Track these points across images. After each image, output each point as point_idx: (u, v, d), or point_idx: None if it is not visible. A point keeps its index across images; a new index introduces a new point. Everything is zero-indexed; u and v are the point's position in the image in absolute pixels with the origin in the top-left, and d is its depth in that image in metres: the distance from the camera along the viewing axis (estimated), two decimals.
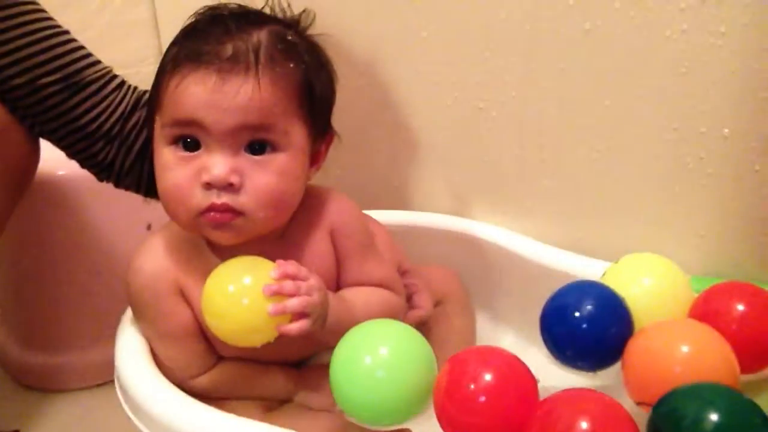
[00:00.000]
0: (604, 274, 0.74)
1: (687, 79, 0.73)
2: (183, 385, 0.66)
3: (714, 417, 0.51)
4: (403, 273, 0.78)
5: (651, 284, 0.70)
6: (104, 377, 1.00)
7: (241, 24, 0.63)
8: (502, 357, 0.57)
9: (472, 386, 0.54)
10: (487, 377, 0.54)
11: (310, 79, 0.65)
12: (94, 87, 0.73)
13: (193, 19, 0.66)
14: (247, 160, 0.62)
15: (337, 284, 0.71)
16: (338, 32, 0.72)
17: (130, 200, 0.83)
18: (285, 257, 0.64)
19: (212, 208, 0.61)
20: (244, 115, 0.61)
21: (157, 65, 0.66)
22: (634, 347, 0.63)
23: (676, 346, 0.59)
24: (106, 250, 1.01)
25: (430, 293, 0.80)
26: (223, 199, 0.61)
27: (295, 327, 0.61)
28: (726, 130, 0.72)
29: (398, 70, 0.94)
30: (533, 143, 0.87)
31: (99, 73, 0.74)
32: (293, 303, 0.60)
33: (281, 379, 0.72)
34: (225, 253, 0.65)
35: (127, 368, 0.67)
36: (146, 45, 1.17)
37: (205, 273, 0.64)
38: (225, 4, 0.67)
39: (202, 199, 0.61)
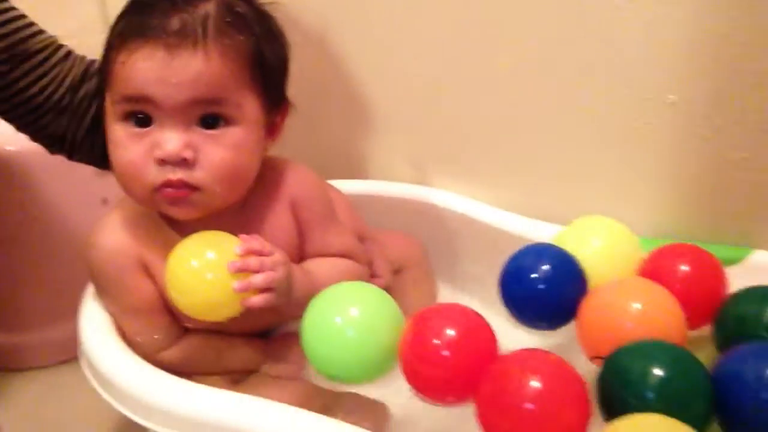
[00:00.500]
0: (557, 237, 0.77)
1: (635, 47, 0.75)
2: (149, 359, 0.66)
3: (658, 371, 0.54)
4: (362, 240, 0.79)
5: (601, 245, 0.73)
6: (65, 354, 1.00)
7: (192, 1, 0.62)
8: (464, 313, 0.59)
9: (436, 341, 0.57)
10: (450, 332, 0.57)
11: (261, 50, 0.65)
12: (40, 57, 0.71)
13: None
14: (200, 134, 0.62)
15: (299, 255, 0.72)
16: (293, 1, 0.72)
17: (83, 174, 0.82)
18: (246, 230, 0.65)
19: (168, 184, 0.61)
20: (195, 90, 0.60)
21: (104, 35, 0.65)
22: (587, 306, 0.66)
23: (628, 303, 0.62)
24: (62, 225, 0.99)
25: (388, 261, 0.81)
26: (178, 174, 0.61)
27: (260, 300, 0.61)
28: (671, 97, 0.75)
29: (354, 39, 0.94)
30: (489, 112, 0.88)
31: (44, 43, 0.72)
32: (258, 279, 0.61)
33: (247, 350, 0.73)
34: (185, 227, 0.66)
35: (94, 343, 0.67)
36: (91, 14, 1.13)
37: (167, 246, 0.65)
38: None
39: (157, 175, 0.61)
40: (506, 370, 0.53)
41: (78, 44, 0.79)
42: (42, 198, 0.98)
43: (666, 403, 0.53)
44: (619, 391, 0.55)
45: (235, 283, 0.60)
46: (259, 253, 0.62)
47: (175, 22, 0.60)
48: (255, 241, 0.62)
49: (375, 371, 0.59)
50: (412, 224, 0.92)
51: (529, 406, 0.50)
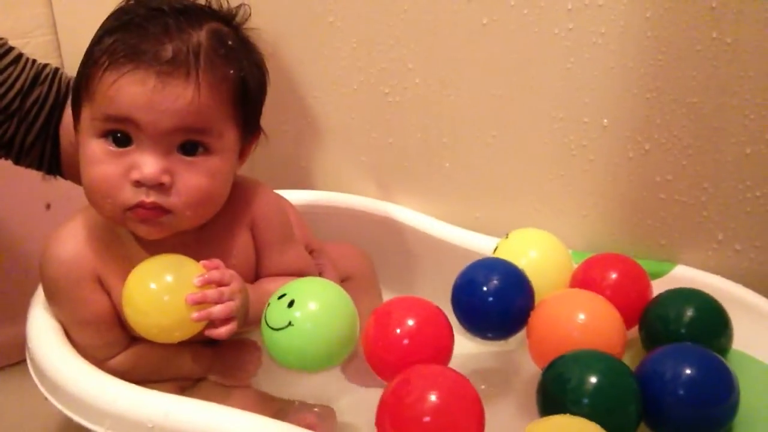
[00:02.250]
0: (496, 249, 0.81)
1: (572, 74, 0.80)
2: (97, 366, 0.66)
3: (593, 379, 0.59)
4: (311, 252, 0.80)
5: (536, 256, 0.77)
6: (6, 360, 0.98)
7: (180, 22, 0.62)
8: (423, 305, 0.66)
9: (398, 330, 0.63)
10: (410, 323, 0.63)
11: (246, 83, 0.66)
12: None
13: (126, 5, 0.64)
14: (179, 160, 0.62)
15: (255, 273, 0.73)
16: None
17: (28, 179, 0.81)
18: (205, 249, 0.66)
19: (141, 205, 0.62)
20: (182, 118, 0.61)
21: (51, 37, 0.65)
22: (536, 317, 0.70)
23: (574, 314, 0.67)
24: (4, 230, 0.98)
25: (337, 272, 0.82)
26: (152, 197, 0.61)
27: (222, 331, 0.63)
28: (605, 121, 0.80)
29: (305, 54, 0.96)
30: (434, 128, 0.92)
31: None
32: (218, 310, 0.62)
33: (195, 358, 0.73)
34: (145, 242, 0.66)
35: (43, 349, 0.66)
36: (38, 14, 1.12)
37: (124, 260, 0.65)
38: None
39: (131, 195, 0.61)
40: (409, 383, 0.56)
41: (24, 44, 0.79)
42: None
43: (600, 408, 0.57)
44: (558, 397, 0.60)
45: (194, 314, 0.62)
46: (219, 283, 0.63)
47: (168, 51, 0.60)
48: (215, 271, 0.64)
49: (329, 361, 0.63)
50: (359, 233, 0.94)
51: (426, 419, 0.53)
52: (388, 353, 0.64)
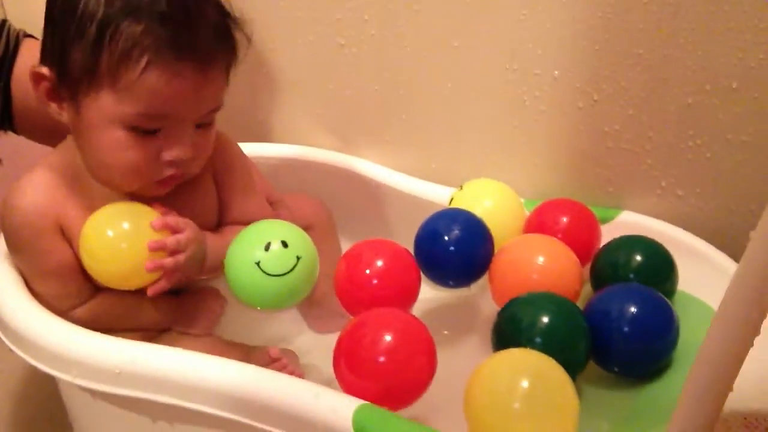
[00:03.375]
0: (451, 199, 0.84)
1: (524, 26, 0.81)
2: (61, 317, 0.66)
3: (545, 319, 0.62)
4: (271, 203, 0.82)
5: (491, 205, 0.80)
6: None
7: (209, 8, 0.63)
8: (391, 246, 0.70)
9: (368, 271, 0.68)
10: (379, 263, 0.68)
11: (236, 50, 0.67)
12: None
13: None
14: (196, 133, 0.65)
15: (218, 221, 0.75)
16: None
17: None
18: (172, 196, 0.67)
19: (171, 177, 0.65)
20: (212, 103, 0.64)
21: None
22: (497, 262, 0.73)
23: (534, 258, 0.70)
24: None
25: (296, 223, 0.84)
26: (181, 169, 0.65)
27: (161, 284, 0.65)
28: (556, 72, 0.82)
29: (259, 5, 0.95)
30: (391, 80, 0.92)
31: None
32: (168, 261, 0.64)
33: (159, 307, 0.74)
34: (109, 189, 0.67)
35: (6, 300, 0.66)
36: None
37: (88, 209, 0.66)
38: None
39: (161, 171, 0.64)
40: (364, 326, 0.59)
41: None
42: None
43: (552, 346, 0.61)
44: (512, 336, 0.63)
45: (147, 263, 0.63)
46: (174, 229, 0.65)
47: (201, 40, 0.60)
48: (171, 217, 0.65)
49: (288, 299, 0.67)
50: (317, 185, 0.95)
51: (381, 359, 0.56)
52: (359, 292, 0.68)
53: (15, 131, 0.77)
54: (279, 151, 0.98)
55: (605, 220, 0.83)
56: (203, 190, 0.72)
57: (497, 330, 0.65)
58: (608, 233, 0.79)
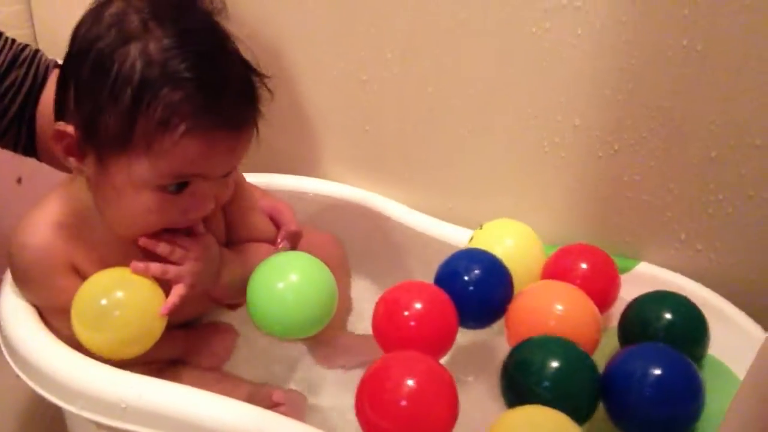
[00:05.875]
0: (471, 239, 0.83)
1: (547, 73, 0.81)
2: (72, 346, 0.65)
3: (555, 363, 0.61)
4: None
5: (511, 246, 0.79)
6: None
7: (233, 64, 0.63)
8: (429, 289, 0.70)
9: (406, 313, 0.67)
10: (417, 306, 0.67)
11: None
12: None
13: (182, 54, 0.59)
14: (220, 182, 0.65)
15: (225, 239, 0.75)
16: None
17: None
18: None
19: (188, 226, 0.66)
20: (241, 159, 0.64)
21: (28, 30, 0.63)
22: (515, 307, 0.72)
23: (552, 305, 0.69)
24: None
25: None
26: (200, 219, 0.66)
27: (172, 299, 0.64)
28: (577, 120, 0.82)
29: (285, 39, 0.96)
30: (412, 118, 0.93)
31: None
32: (154, 266, 0.64)
33: (171, 340, 0.72)
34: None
35: (15, 327, 0.66)
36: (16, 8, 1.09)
37: (98, 245, 0.66)
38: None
39: (181, 224, 0.65)
40: (387, 368, 0.58)
41: None
42: None
43: (558, 392, 0.60)
44: (519, 381, 0.62)
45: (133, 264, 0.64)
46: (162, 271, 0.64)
47: (237, 106, 0.61)
48: (152, 264, 0.64)
49: (309, 329, 0.67)
50: (334, 220, 0.95)
51: (403, 403, 0.55)
52: (397, 332, 0.67)
53: (38, 159, 0.78)
54: (296, 184, 0.98)
55: (622, 270, 0.82)
56: (212, 215, 0.71)
57: (505, 373, 0.64)
58: (624, 283, 0.78)
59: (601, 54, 0.77)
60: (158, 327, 0.64)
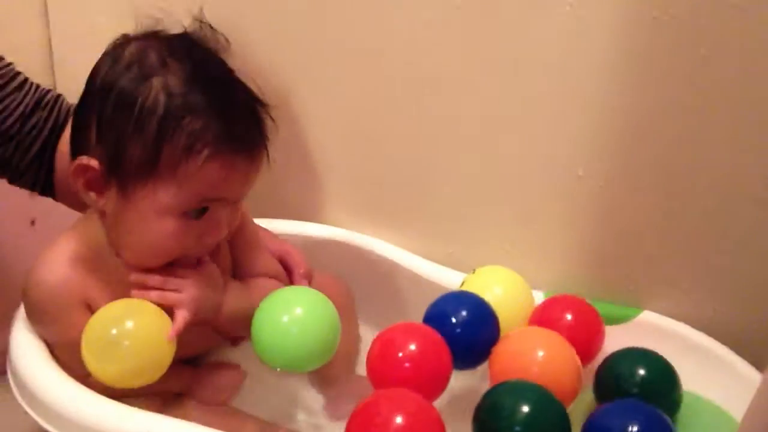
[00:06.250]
0: (463, 283, 0.84)
1: (550, 124, 0.83)
2: (80, 382, 0.67)
3: (525, 408, 0.62)
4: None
5: (500, 292, 0.81)
6: None
7: (245, 94, 0.67)
8: (422, 331, 0.71)
9: (400, 354, 0.68)
10: (412, 347, 0.68)
11: None
12: None
13: (200, 86, 0.63)
14: (231, 210, 0.68)
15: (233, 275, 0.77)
16: (237, 46, 0.75)
17: (14, 195, 0.82)
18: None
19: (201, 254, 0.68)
20: (253, 185, 0.68)
21: (45, 56, 0.66)
22: (499, 351, 0.73)
23: (534, 351, 0.70)
24: None
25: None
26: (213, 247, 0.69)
27: (176, 325, 0.65)
28: (580, 172, 0.83)
29: (297, 87, 0.97)
30: (413, 168, 0.94)
31: (2, 71, 0.74)
32: (153, 292, 0.66)
33: (177, 376, 0.74)
34: (128, 263, 0.68)
35: (25, 362, 0.67)
36: (35, 32, 1.13)
37: (112, 281, 0.67)
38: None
39: (196, 251, 0.68)
40: (376, 406, 0.59)
41: (19, 61, 0.80)
42: None
43: None
44: (491, 424, 0.63)
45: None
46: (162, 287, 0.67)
47: (252, 132, 0.66)
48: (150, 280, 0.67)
49: (314, 362, 0.68)
50: (339, 265, 0.96)
51: None
52: (392, 370, 0.68)
53: (54, 198, 0.80)
54: (299, 229, 0.99)
55: (624, 319, 0.83)
56: (219, 250, 0.74)
57: (477, 416, 0.66)
58: (626, 333, 0.79)
59: (604, 108, 0.79)
60: (167, 355, 0.64)
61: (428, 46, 0.87)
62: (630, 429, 0.62)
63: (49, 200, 0.82)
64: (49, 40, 1.08)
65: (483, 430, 0.64)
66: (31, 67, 0.80)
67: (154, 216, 0.64)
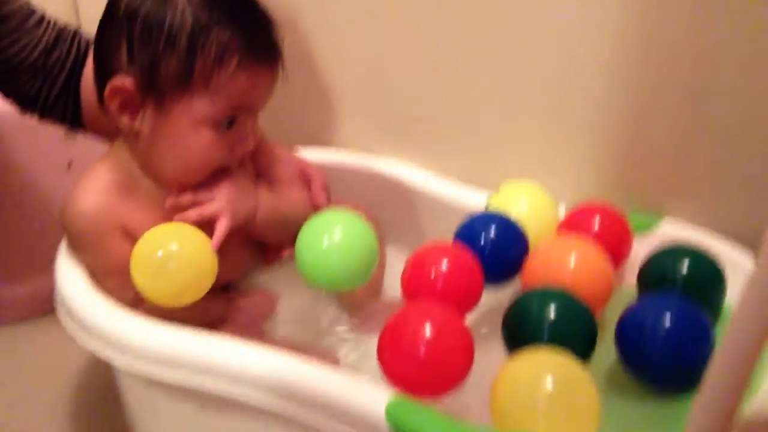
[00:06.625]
0: (489, 200, 0.86)
1: (571, 35, 0.83)
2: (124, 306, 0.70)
3: (551, 314, 0.64)
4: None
5: (525, 207, 0.82)
6: (34, 312, 1.04)
7: (266, 17, 0.73)
8: (453, 249, 0.73)
9: (433, 271, 0.71)
10: (444, 264, 0.71)
11: None
12: (18, 19, 0.75)
13: (221, 2, 0.69)
14: (253, 121, 0.74)
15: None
16: None
17: (50, 139, 0.85)
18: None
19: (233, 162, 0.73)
20: (272, 93, 0.73)
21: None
22: (529, 265, 0.75)
23: (563, 261, 0.71)
24: (31, 187, 1.03)
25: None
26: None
27: (217, 234, 0.70)
28: (601, 80, 0.83)
29: (313, 21, 0.98)
30: (432, 89, 0.94)
31: (22, 8, 0.76)
32: (191, 212, 0.71)
33: (214, 301, 0.78)
34: (169, 181, 0.72)
35: (72, 292, 0.71)
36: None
37: (140, 206, 0.71)
38: None
39: (230, 160, 0.73)
40: (405, 317, 0.62)
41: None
42: (12, 162, 1.02)
43: (556, 340, 0.62)
44: (520, 328, 0.66)
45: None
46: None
47: (273, 45, 0.72)
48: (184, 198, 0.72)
49: (353, 282, 0.70)
50: (364, 191, 0.98)
51: (421, 350, 0.59)
52: (423, 288, 0.71)
53: (82, 128, 0.83)
54: (327, 157, 1.00)
55: (646, 227, 0.84)
56: (243, 164, 0.78)
57: (506, 321, 0.68)
58: (650, 239, 0.80)
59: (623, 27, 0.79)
60: (209, 272, 0.68)
61: None
62: (662, 326, 0.62)
63: (84, 142, 0.85)
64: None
65: (512, 334, 0.67)
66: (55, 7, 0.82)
67: (191, 128, 0.68)
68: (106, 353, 0.67)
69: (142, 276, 0.67)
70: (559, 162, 0.91)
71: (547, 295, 0.67)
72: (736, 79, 0.77)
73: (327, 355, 0.80)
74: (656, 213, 0.86)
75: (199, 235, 0.69)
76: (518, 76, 0.89)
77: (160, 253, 0.66)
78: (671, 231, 0.84)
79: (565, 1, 0.81)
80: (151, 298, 0.67)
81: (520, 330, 0.66)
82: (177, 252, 0.66)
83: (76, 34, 0.81)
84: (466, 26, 0.89)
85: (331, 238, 0.68)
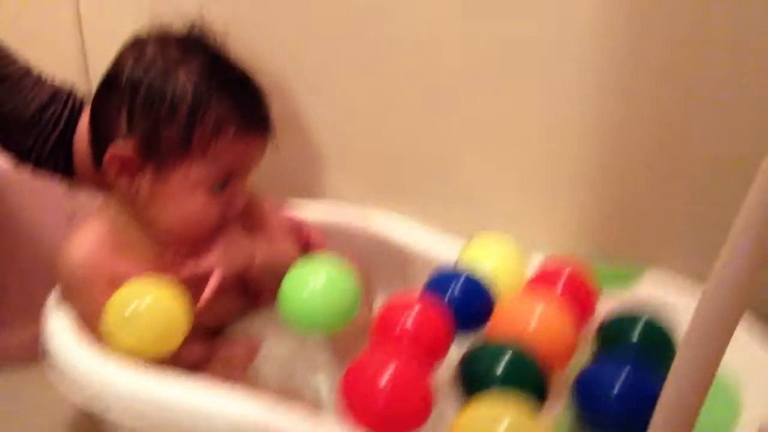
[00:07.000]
0: (460, 252, 0.88)
1: (554, 91, 0.85)
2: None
3: (500, 370, 0.66)
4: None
5: (496, 259, 0.84)
6: (30, 354, 1.01)
7: (254, 85, 0.78)
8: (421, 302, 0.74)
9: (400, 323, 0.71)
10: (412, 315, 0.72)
11: None
12: (13, 80, 0.81)
13: (219, 74, 0.74)
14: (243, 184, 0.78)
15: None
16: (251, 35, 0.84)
17: (54, 192, 0.90)
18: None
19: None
20: (262, 158, 0.78)
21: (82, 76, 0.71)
22: (495, 318, 0.77)
23: (528, 318, 0.73)
24: (33, 238, 1.05)
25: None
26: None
27: (209, 288, 0.74)
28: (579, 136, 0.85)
29: (303, 62, 1.00)
30: (432, 148, 0.96)
31: (18, 67, 0.82)
32: (186, 268, 0.75)
33: (199, 346, 0.80)
34: (161, 239, 0.75)
35: (59, 342, 0.72)
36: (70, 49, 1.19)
37: (138, 258, 0.75)
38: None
39: (219, 220, 0.76)
40: (367, 365, 0.64)
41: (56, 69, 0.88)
42: (15, 213, 1.05)
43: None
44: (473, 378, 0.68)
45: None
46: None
47: (265, 114, 0.77)
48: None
49: (333, 326, 0.72)
50: (353, 242, 0.99)
51: (380, 396, 0.61)
52: (390, 343, 0.72)
53: (73, 178, 0.87)
54: (306, 210, 1.00)
55: (625, 280, 0.85)
56: (236, 228, 0.80)
57: (459, 377, 0.70)
58: (631, 293, 0.81)
59: (603, 69, 0.81)
60: (177, 329, 0.70)
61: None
62: (612, 390, 0.64)
63: (86, 194, 0.89)
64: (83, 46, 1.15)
65: (463, 384, 0.69)
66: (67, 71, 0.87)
67: (188, 191, 0.73)
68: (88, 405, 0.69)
69: (110, 325, 0.69)
70: (538, 212, 0.92)
71: (496, 350, 0.69)
72: (714, 126, 0.79)
73: (307, 398, 0.80)
74: (641, 261, 0.87)
75: (172, 292, 0.70)
76: (498, 132, 0.91)
77: (132, 306, 0.68)
78: (647, 287, 0.85)
79: (543, 59, 0.84)
80: (116, 348, 0.69)
81: (469, 381, 0.68)
82: (146, 308, 0.68)
83: (70, 93, 0.86)
84: (448, 81, 0.91)
85: (315, 282, 0.70)
